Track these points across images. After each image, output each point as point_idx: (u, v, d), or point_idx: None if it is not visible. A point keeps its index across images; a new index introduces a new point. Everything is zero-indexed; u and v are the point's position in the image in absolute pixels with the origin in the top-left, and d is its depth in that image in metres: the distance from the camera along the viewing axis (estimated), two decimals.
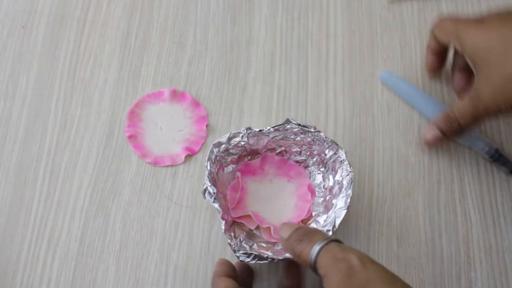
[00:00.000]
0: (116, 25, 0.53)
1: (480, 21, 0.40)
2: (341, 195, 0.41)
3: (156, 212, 0.45)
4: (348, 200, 0.40)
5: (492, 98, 0.39)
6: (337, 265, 0.30)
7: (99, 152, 0.47)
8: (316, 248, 0.32)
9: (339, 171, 0.42)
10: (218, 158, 0.42)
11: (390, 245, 0.44)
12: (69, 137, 0.48)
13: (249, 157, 0.45)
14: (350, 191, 0.40)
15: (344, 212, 0.40)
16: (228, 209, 0.43)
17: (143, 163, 0.47)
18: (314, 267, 0.32)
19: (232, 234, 0.42)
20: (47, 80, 0.50)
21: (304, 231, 0.35)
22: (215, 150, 0.42)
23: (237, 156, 0.44)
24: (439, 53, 0.46)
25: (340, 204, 0.40)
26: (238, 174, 0.45)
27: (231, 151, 0.43)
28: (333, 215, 0.40)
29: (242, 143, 0.43)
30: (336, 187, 0.42)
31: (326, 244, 0.32)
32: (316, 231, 0.35)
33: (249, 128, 0.42)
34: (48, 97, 0.50)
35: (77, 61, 0.51)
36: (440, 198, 0.46)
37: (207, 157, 0.41)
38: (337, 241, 0.33)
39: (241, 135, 0.42)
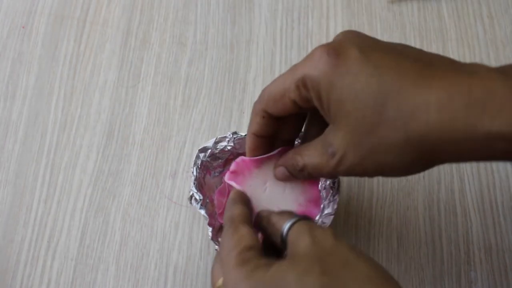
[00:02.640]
0: (116, 25, 0.53)
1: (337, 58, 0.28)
2: (328, 200, 0.41)
3: (156, 212, 0.45)
4: (335, 206, 0.40)
5: (359, 165, 0.29)
6: (310, 232, 0.28)
7: (99, 152, 0.47)
8: (293, 219, 0.30)
9: None
10: (204, 163, 0.42)
11: (390, 245, 0.44)
12: (69, 137, 0.48)
13: None
14: (337, 197, 0.40)
15: (331, 217, 0.39)
16: (216, 214, 0.43)
17: (143, 163, 0.47)
18: (285, 237, 0.30)
19: (220, 239, 0.41)
20: (47, 80, 0.50)
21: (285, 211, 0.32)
22: (201, 155, 0.42)
23: (224, 160, 0.44)
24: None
25: (328, 209, 0.40)
26: (225, 178, 0.44)
27: (217, 155, 0.43)
28: (320, 221, 0.40)
29: (229, 147, 0.43)
30: (323, 192, 0.42)
31: (305, 219, 0.30)
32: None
33: (235, 133, 0.42)
34: (48, 97, 0.50)
35: (77, 61, 0.51)
36: (440, 198, 0.46)
37: (193, 163, 0.41)
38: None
39: (227, 139, 0.42)
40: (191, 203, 0.40)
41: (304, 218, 0.30)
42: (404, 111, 0.25)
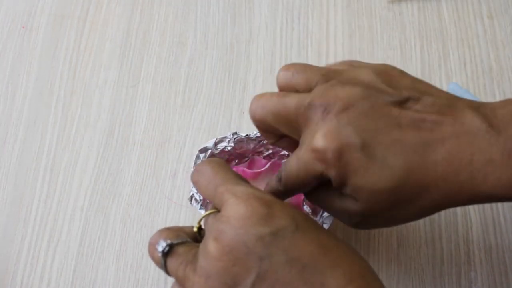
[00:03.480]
0: (116, 25, 0.53)
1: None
2: None
3: (156, 212, 0.45)
4: None
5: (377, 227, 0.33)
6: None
7: (99, 152, 0.47)
8: None
9: None
10: None
11: (390, 245, 0.44)
12: (69, 137, 0.48)
13: (236, 161, 0.45)
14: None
15: (331, 218, 0.39)
16: None
17: (143, 163, 0.47)
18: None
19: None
20: (47, 80, 0.50)
21: None
22: (201, 155, 0.42)
23: (224, 160, 0.44)
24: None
25: None
26: None
27: (217, 156, 0.43)
28: (320, 221, 0.40)
29: (229, 148, 0.43)
30: None
31: None
32: None
33: (236, 133, 0.42)
34: (48, 97, 0.50)
35: (77, 61, 0.51)
36: None
37: (193, 163, 0.41)
38: None
39: (227, 140, 0.42)
40: (191, 203, 0.40)
41: None
42: (417, 192, 0.28)
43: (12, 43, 0.52)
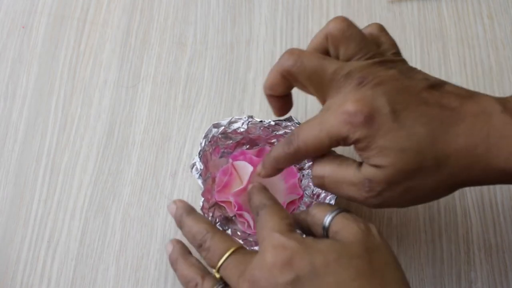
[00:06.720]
0: (116, 25, 0.53)
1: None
2: (326, 194, 0.41)
3: (156, 212, 0.45)
4: (333, 201, 0.40)
5: (392, 201, 0.34)
6: (357, 224, 0.32)
7: (99, 152, 0.47)
8: (336, 211, 0.33)
9: None
10: (215, 138, 0.42)
11: (390, 245, 0.44)
12: (69, 137, 0.48)
13: (247, 146, 0.45)
14: (333, 202, 0.40)
15: None
16: (214, 190, 0.44)
17: (143, 163, 0.47)
18: (327, 227, 0.33)
19: (210, 214, 0.42)
20: (47, 80, 0.51)
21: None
22: (214, 130, 0.42)
23: (235, 142, 0.44)
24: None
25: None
26: (230, 159, 0.45)
27: (229, 135, 0.43)
28: None
29: (242, 129, 0.43)
30: (322, 195, 0.42)
31: (345, 211, 0.33)
32: None
33: (251, 116, 0.43)
34: (48, 97, 0.50)
35: (77, 61, 0.51)
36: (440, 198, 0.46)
37: (204, 134, 0.41)
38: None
39: (241, 121, 0.43)
40: (191, 171, 0.40)
41: (344, 210, 0.34)
42: (439, 159, 0.31)
43: (12, 43, 0.52)
